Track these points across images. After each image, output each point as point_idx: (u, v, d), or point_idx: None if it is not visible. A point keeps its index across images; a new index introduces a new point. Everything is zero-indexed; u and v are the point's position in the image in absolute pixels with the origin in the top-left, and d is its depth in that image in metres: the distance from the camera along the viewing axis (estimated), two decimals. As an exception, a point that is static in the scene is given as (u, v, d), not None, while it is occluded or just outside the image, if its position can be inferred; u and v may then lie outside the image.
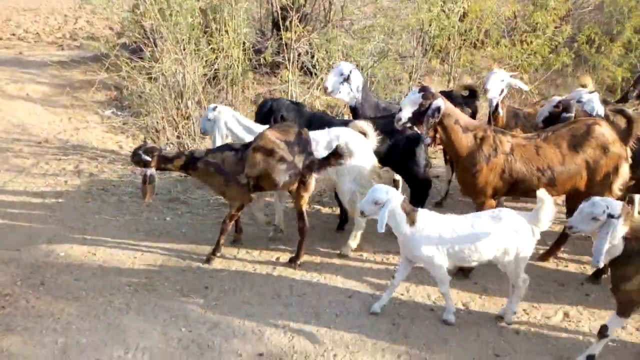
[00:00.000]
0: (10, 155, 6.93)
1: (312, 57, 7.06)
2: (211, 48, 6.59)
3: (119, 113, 9.18)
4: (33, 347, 3.29)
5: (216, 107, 4.67)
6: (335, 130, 4.45)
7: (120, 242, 4.65)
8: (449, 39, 7.31)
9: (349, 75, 4.78)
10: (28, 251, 4.45)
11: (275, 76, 9.31)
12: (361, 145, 4.29)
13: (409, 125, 3.92)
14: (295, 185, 4.15)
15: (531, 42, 7.40)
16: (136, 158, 4.12)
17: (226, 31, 6.36)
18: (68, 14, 20.97)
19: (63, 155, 7.05)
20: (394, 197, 3.32)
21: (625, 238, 2.95)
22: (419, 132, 4.07)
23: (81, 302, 3.77)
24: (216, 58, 6.67)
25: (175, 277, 4.12)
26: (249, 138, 4.43)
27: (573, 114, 4.24)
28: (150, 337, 3.39)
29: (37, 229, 4.90)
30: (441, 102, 3.75)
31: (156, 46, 8.69)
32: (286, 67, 6.97)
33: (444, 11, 7.37)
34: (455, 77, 7.62)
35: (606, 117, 4.56)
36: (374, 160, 4.37)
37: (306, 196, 4.19)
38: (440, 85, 8.11)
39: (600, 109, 4.54)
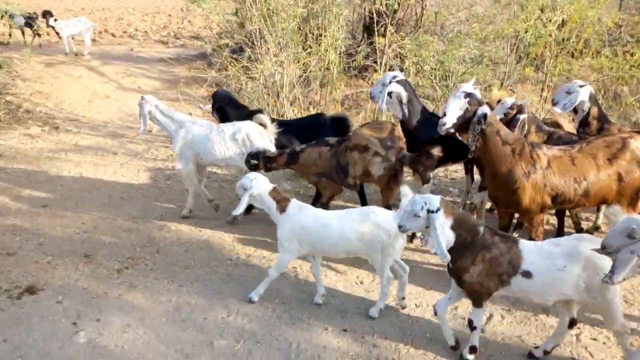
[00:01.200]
0: (125, 141, 7.75)
1: (402, 61, 7.26)
2: (308, 52, 6.98)
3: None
4: (152, 303, 3.78)
5: (143, 97, 5.20)
6: (239, 123, 4.97)
7: (222, 222, 5.16)
8: (545, 47, 7.23)
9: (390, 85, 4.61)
10: (144, 223, 5.08)
11: (362, 79, 9.63)
12: (259, 136, 4.92)
13: (452, 131, 3.75)
14: (386, 179, 4.41)
15: (633, 53, 7.16)
16: (247, 165, 4.65)
17: (324, 35, 6.70)
18: (172, 14, 22.47)
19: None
20: (258, 184, 3.67)
21: (453, 230, 3.02)
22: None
23: (190, 270, 4.25)
24: (310, 61, 7.05)
25: (270, 256, 4.52)
26: (170, 125, 5.12)
27: (525, 115, 4.20)
28: (249, 304, 3.78)
29: (150, 205, 5.57)
30: (487, 109, 3.59)
31: (255, 48, 9.32)
32: (375, 70, 7.23)
33: (541, 20, 7.34)
34: (549, 85, 7.50)
35: (585, 118, 4.56)
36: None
37: (395, 190, 4.45)
38: (533, 94, 8.01)
39: (587, 104, 4.52)
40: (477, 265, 3.03)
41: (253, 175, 3.78)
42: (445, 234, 3.00)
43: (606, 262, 2.77)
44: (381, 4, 7.25)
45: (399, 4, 7.91)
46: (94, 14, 19.98)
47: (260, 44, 7.85)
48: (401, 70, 6.81)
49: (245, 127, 4.91)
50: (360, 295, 4.00)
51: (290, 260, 3.84)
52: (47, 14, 10.42)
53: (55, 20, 10.49)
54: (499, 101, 4.61)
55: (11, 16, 9.91)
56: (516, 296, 3.33)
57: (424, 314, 3.77)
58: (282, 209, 3.72)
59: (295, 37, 6.96)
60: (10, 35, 11.59)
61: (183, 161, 5.08)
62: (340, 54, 6.95)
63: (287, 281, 4.16)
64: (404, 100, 4.66)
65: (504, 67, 7.90)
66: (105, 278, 4.09)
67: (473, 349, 3.24)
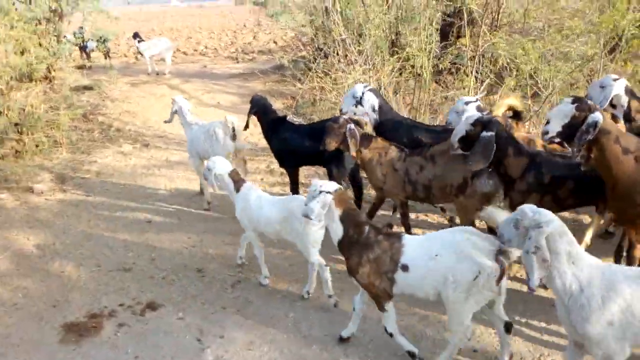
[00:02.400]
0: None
1: (493, 63, 6.97)
2: (397, 57, 6.85)
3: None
4: (270, 318, 3.74)
5: (173, 98, 6.17)
6: (213, 123, 5.73)
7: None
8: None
9: (361, 97, 4.87)
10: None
11: (436, 82, 9.37)
12: (222, 134, 5.55)
13: (557, 140, 3.38)
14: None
15: None
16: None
17: (414, 40, 6.55)
18: (237, 31, 23.04)
19: (255, 156, 7.81)
20: (219, 165, 4.17)
21: (342, 222, 3.07)
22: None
23: (300, 284, 4.18)
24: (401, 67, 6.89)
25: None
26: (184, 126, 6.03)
27: (493, 132, 3.55)
28: (369, 321, 3.65)
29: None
30: (599, 117, 3.18)
31: (330, 57, 9.30)
32: (465, 73, 6.99)
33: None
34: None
35: (627, 112, 4.14)
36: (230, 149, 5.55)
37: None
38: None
39: (624, 98, 4.11)
40: (364, 266, 3.04)
41: (215, 158, 4.29)
42: (333, 219, 3.09)
43: (484, 260, 2.75)
44: (458, 3, 7.00)
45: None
46: (164, 34, 20.78)
47: (341, 52, 7.82)
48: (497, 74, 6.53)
49: (214, 126, 5.68)
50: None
51: (252, 236, 4.18)
52: (136, 37, 10.89)
53: (140, 41, 10.93)
54: None
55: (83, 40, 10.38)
56: (407, 294, 3.07)
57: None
58: (237, 189, 4.17)
59: (383, 43, 6.83)
60: (88, 58, 12.14)
61: (191, 158, 6.00)
62: (430, 57, 6.74)
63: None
64: (376, 107, 4.86)
65: (591, 64, 7.41)
66: (221, 292, 4.10)
67: (410, 354, 3.19)
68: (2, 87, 7.31)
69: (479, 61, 6.51)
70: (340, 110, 5.07)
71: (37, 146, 7.62)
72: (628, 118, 4.25)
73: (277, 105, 10.46)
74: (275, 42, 18.22)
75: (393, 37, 7.16)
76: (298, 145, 5.14)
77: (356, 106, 4.91)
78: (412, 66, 6.74)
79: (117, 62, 13.49)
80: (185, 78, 11.42)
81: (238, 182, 4.18)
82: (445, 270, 2.83)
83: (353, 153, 4.34)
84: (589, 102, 3.32)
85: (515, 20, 8.32)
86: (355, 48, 7.15)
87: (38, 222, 5.50)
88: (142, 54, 11.17)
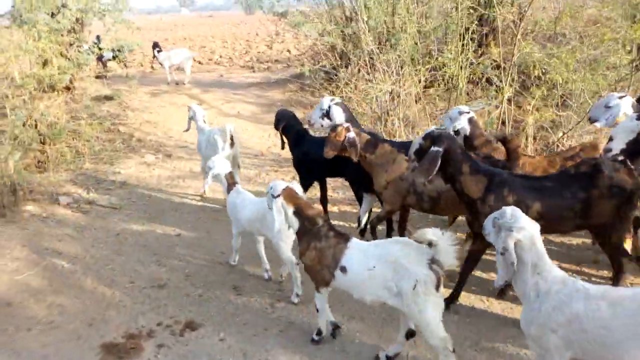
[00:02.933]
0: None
1: (526, 73, 6.84)
2: (429, 67, 6.74)
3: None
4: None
5: (189, 106, 6.68)
6: (212, 130, 6.18)
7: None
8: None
9: (328, 110, 5.08)
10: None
11: (467, 94, 9.27)
12: (220, 139, 5.94)
13: (620, 158, 3.27)
14: None
15: None
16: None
17: (447, 49, 6.44)
18: (249, 40, 23.06)
19: (278, 166, 7.72)
20: (218, 165, 4.55)
21: (296, 216, 3.40)
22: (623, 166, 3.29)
23: (341, 304, 4.06)
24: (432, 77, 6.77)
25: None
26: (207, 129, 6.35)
27: (441, 149, 3.42)
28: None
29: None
30: None
31: (348, 68, 9.22)
32: (496, 85, 6.87)
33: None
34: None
35: None
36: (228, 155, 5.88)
37: None
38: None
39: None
40: (310, 251, 3.32)
41: (215, 158, 4.66)
42: (282, 215, 3.42)
43: (418, 267, 2.83)
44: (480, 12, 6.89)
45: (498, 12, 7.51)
46: (177, 43, 20.84)
47: (367, 61, 7.73)
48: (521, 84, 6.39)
49: (213, 133, 6.06)
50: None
51: (236, 235, 4.60)
52: (155, 46, 10.87)
53: (159, 51, 10.91)
54: None
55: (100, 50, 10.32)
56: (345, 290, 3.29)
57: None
58: (229, 190, 4.55)
59: (415, 52, 6.71)
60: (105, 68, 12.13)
61: (202, 160, 6.37)
62: (465, 66, 6.59)
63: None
64: (343, 120, 5.01)
65: (615, 73, 7.24)
66: (261, 312, 3.98)
67: (318, 332, 3.57)
68: (25, 98, 7.29)
69: (509, 71, 6.37)
70: (309, 122, 5.37)
71: (61, 156, 7.58)
72: None
73: (298, 114, 10.41)
74: (289, 51, 18.21)
75: (427, 46, 7.03)
76: (318, 156, 4.98)
77: (323, 118, 5.15)
78: (443, 77, 6.63)
79: (134, 72, 13.47)
80: (204, 88, 11.37)
81: (230, 185, 4.57)
82: (385, 282, 2.96)
83: (355, 159, 4.36)
84: None
85: (542, 29, 8.18)
86: (382, 57, 7.04)
87: (67, 235, 5.41)
88: (161, 64, 11.15)
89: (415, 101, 6.88)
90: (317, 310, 3.51)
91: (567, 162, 4.00)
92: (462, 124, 4.45)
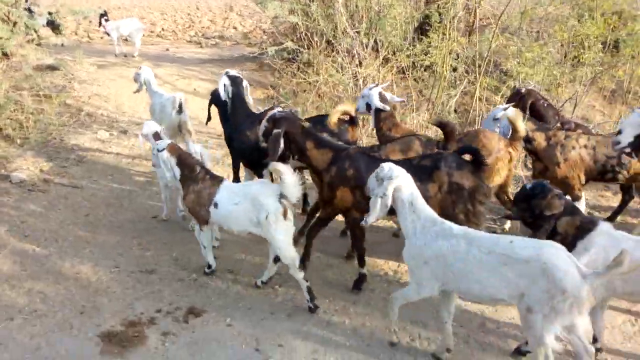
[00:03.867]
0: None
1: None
2: (409, 53, 6.72)
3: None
4: (327, 324, 3.57)
5: (140, 67, 6.43)
6: (164, 97, 6.06)
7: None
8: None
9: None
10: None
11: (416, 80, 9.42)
12: (171, 109, 5.78)
13: (628, 150, 3.45)
14: None
15: None
16: None
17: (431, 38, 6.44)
18: (190, 13, 22.16)
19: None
20: (145, 127, 4.71)
21: (178, 166, 3.89)
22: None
23: (343, 289, 4.04)
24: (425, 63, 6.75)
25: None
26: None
27: (280, 130, 3.75)
28: (430, 329, 3.59)
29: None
30: None
31: (311, 47, 9.09)
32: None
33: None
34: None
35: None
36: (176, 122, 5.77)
37: None
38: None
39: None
40: (190, 194, 3.84)
41: (147, 121, 4.89)
42: (171, 167, 3.90)
43: (269, 201, 3.49)
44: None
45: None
46: (111, 13, 19.57)
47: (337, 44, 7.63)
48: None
49: (164, 99, 6.00)
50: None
51: (163, 187, 4.89)
52: (103, 15, 10.12)
53: (107, 20, 10.18)
54: None
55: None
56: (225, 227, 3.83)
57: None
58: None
59: (396, 40, 6.68)
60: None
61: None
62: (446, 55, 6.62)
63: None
64: (230, 94, 4.96)
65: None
66: (264, 296, 3.88)
67: (208, 266, 4.08)
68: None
69: (484, 62, 6.55)
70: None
71: (3, 129, 6.92)
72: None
73: (257, 95, 10.15)
74: (235, 28, 17.70)
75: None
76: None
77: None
78: (422, 64, 6.68)
79: (68, 41, 12.50)
80: (155, 62, 10.74)
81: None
82: (246, 214, 3.59)
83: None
84: None
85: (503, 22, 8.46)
86: (359, 41, 6.98)
87: (29, 216, 4.97)
88: (109, 34, 10.40)
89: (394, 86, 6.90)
90: (204, 247, 4.00)
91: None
92: (372, 99, 4.59)
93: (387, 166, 3.05)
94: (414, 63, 7.29)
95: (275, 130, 3.75)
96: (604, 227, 2.95)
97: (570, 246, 2.87)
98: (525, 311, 2.65)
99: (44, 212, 5.09)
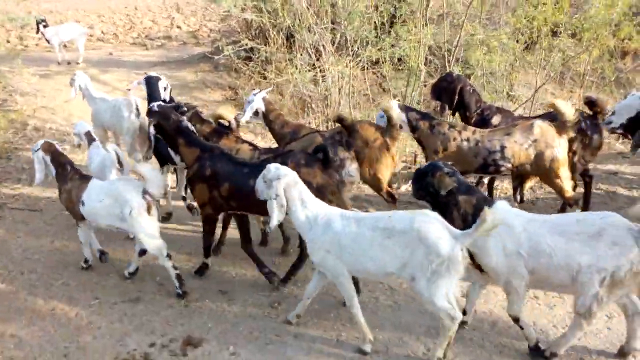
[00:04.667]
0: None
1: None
2: (379, 48, 6.55)
3: (237, 112, 9.31)
4: (335, 344, 3.39)
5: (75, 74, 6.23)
6: (118, 100, 5.83)
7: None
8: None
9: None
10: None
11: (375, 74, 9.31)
12: (128, 112, 5.53)
13: (619, 131, 3.71)
14: None
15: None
16: None
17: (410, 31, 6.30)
18: (129, 14, 21.25)
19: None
20: (77, 126, 5.00)
21: (53, 163, 4.08)
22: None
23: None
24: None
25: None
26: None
27: (148, 121, 4.08)
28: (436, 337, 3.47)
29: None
30: None
31: (268, 44, 8.81)
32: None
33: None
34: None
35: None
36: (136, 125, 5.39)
37: None
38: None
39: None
40: (63, 193, 4.02)
41: (79, 122, 5.13)
42: (47, 163, 4.07)
43: (133, 197, 3.67)
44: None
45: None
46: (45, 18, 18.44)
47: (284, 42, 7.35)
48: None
49: (119, 103, 5.67)
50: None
51: None
52: (41, 21, 9.39)
53: (45, 26, 9.46)
54: None
55: None
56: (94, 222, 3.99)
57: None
58: (89, 146, 4.94)
59: (362, 34, 6.51)
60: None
61: (96, 128, 5.81)
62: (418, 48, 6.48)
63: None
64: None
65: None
66: (264, 318, 3.62)
67: (85, 260, 4.20)
68: None
69: (454, 51, 6.48)
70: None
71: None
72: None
73: (216, 97, 9.77)
74: (179, 27, 17.10)
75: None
76: None
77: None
78: (392, 57, 6.54)
79: (2, 51, 11.61)
80: (101, 67, 10.14)
81: (90, 143, 4.90)
82: (112, 210, 3.76)
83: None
84: None
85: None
86: (326, 38, 6.77)
87: (-15, 248, 4.49)
88: (49, 41, 9.68)
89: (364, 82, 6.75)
90: (82, 243, 4.13)
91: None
92: (258, 103, 4.85)
93: (272, 167, 3.11)
94: (378, 58, 7.17)
95: (147, 123, 4.06)
96: (501, 205, 2.98)
97: (471, 224, 2.88)
98: (411, 281, 2.86)
99: (3, 241, 4.62)
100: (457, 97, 5.01)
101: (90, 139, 4.96)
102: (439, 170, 3.21)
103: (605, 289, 2.79)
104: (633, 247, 2.74)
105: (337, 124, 4.47)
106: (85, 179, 4.00)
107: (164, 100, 5.27)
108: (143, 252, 3.96)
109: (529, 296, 3.85)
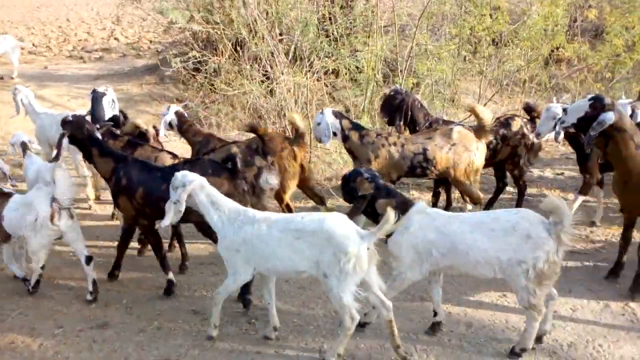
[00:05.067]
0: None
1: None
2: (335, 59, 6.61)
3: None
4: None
5: (15, 87, 6.28)
6: (64, 114, 5.64)
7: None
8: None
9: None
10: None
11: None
12: None
13: (572, 130, 3.95)
14: None
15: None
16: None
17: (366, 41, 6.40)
18: (62, 25, 20.38)
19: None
20: (15, 136, 5.22)
21: None
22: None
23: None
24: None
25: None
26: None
27: (65, 132, 4.15)
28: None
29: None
30: (610, 116, 3.56)
31: (216, 55, 8.70)
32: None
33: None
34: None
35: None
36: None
37: None
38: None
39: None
40: None
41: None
42: None
43: (41, 205, 3.73)
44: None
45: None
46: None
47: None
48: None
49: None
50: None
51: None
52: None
53: (-24, 39, 8.91)
54: None
55: None
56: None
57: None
58: (24, 155, 5.18)
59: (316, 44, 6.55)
60: None
61: (41, 144, 5.92)
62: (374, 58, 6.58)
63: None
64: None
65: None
66: (242, 336, 3.53)
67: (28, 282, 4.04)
68: None
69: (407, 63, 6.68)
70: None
71: None
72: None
73: (163, 109, 9.50)
74: (116, 39, 16.59)
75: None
76: None
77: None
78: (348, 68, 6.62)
79: None
80: (38, 82, 9.65)
81: (25, 152, 5.08)
82: (24, 220, 3.75)
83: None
84: (606, 102, 3.63)
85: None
86: (280, 49, 6.77)
87: None
88: (-21, 55, 9.13)
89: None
90: (8, 265, 4.11)
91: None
92: (171, 116, 5.14)
93: (179, 175, 3.26)
94: (328, 69, 7.26)
95: (62, 132, 4.06)
96: (419, 206, 3.26)
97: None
98: (323, 277, 3.01)
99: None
100: (410, 110, 5.21)
101: (24, 149, 5.06)
102: (359, 175, 3.48)
103: (533, 282, 2.99)
104: (547, 238, 2.96)
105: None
106: (7, 195, 3.98)
107: (111, 118, 5.20)
108: (89, 259, 3.86)
109: (498, 295, 4.00)
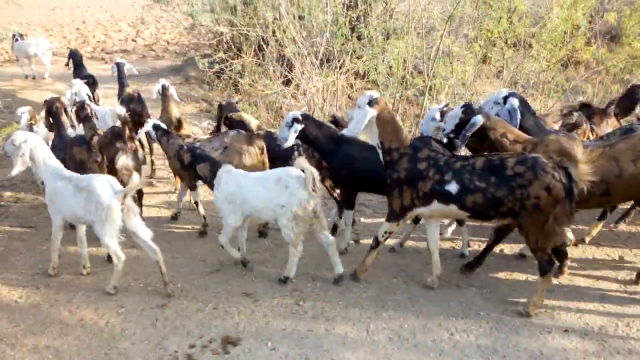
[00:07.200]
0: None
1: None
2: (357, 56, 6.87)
3: (214, 123, 9.41)
4: (367, 333, 3.59)
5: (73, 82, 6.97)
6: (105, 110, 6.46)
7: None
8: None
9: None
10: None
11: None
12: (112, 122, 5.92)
13: (452, 136, 4.27)
14: None
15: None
16: None
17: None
18: (79, 27, 20.74)
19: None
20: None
21: None
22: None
23: (368, 294, 4.10)
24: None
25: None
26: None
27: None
28: (464, 319, 3.77)
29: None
30: (479, 118, 4.04)
31: (240, 57, 8.99)
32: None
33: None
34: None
35: None
36: None
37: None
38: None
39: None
40: None
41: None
42: None
43: None
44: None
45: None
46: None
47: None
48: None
49: (104, 113, 6.21)
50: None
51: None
52: (13, 35, 9.13)
53: (17, 40, 9.21)
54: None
55: None
56: None
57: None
58: None
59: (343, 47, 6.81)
60: None
61: None
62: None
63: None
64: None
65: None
66: (292, 314, 3.79)
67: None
68: None
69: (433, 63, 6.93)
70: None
71: None
72: None
73: (189, 109, 9.79)
74: (134, 40, 16.92)
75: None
76: None
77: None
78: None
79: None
80: (68, 82, 9.94)
81: None
82: None
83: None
84: (474, 107, 4.23)
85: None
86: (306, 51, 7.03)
87: (-10, 265, 4.40)
88: (16, 57, 9.42)
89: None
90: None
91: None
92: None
93: (19, 134, 4.05)
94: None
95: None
96: (225, 167, 4.23)
97: (210, 182, 4.34)
98: (92, 224, 3.86)
99: (5, 259, 4.53)
100: None
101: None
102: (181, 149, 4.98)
103: (291, 221, 3.90)
104: (299, 188, 3.86)
105: None
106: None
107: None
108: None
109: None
